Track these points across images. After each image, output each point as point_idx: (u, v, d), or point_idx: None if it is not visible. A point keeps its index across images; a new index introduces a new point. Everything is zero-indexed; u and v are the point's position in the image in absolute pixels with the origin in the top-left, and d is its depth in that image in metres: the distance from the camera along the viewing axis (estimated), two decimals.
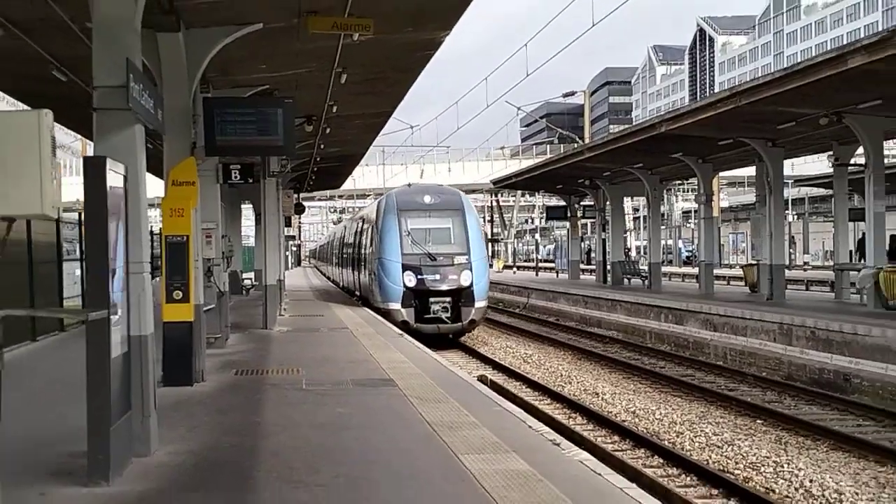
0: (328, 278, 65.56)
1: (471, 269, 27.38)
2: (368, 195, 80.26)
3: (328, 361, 16.69)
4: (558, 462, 8.91)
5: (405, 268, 27.18)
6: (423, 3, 14.81)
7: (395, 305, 26.96)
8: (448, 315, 26.72)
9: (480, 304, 27.65)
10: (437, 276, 27.07)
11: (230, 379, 14.69)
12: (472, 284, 27.20)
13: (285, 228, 41.09)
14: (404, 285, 26.93)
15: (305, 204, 64.90)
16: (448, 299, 27.00)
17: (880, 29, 24.02)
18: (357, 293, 37.81)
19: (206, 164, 16.11)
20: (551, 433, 10.52)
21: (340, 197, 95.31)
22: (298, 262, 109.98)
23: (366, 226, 33.87)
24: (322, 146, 31.01)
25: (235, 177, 18.10)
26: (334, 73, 19.02)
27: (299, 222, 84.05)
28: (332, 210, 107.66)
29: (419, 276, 27.04)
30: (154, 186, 21.41)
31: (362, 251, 34.10)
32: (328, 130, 27.22)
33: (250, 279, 38.99)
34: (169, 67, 13.88)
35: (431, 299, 26.85)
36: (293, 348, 19.08)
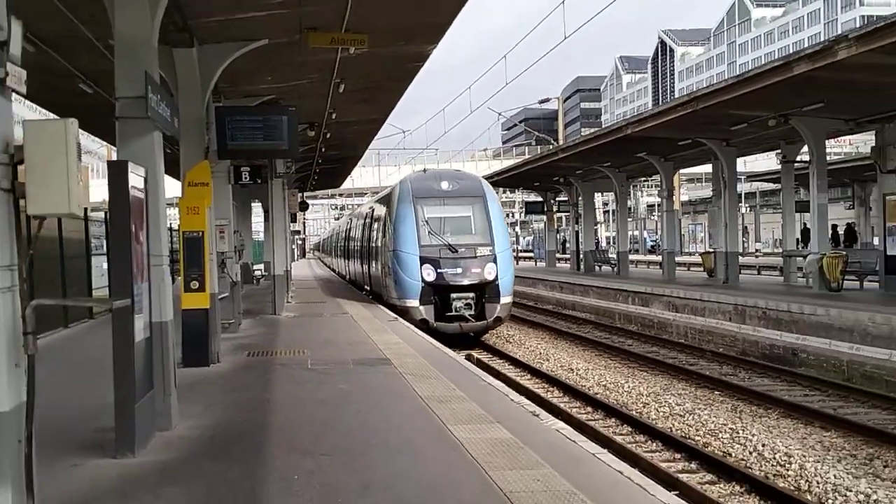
0: (331, 269, 62.65)
1: (495, 262, 22.77)
2: (365, 193, 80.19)
3: (331, 343, 16.66)
4: (538, 431, 8.93)
5: (423, 261, 22.57)
6: (412, 20, 14.77)
7: (413, 302, 22.41)
8: (471, 312, 22.22)
9: (506, 299, 23.07)
10: (459, 270, 22.48)
11: (243, 360, 14.66)
12: (497, 278, 22.64)
13: (291, 224, 40.92)
14: (423, 280, 22.39)
15: (309, 202, 64.83)
16: (471, 295, 22.46)
17: (822, 39, 24.09)
18: (366, 287, 32.36)
19: (219, 167, 16.07)
20: (531, 405, 10.54)
21: (340, 195, 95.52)
22: (303, 255, 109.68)
23: (377, 215, 28.76)
24: (323, 149, 30.94)
25: (245, 178, 18.07)
26: (333, 84, 18.98)
27: (304, 218, 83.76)
28: (333, 207, 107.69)
29: (439, 270, 22.46)
30: (172, 187, 21.33)
31: (373, 243, 28.86)
32: (328, 135, 27.19)
33: (260, 270, 38.73)
34: (184, 80, 13.84)
35: (453, 295, 22.32)
36: (299, 332, 19.03)
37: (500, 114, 64.32)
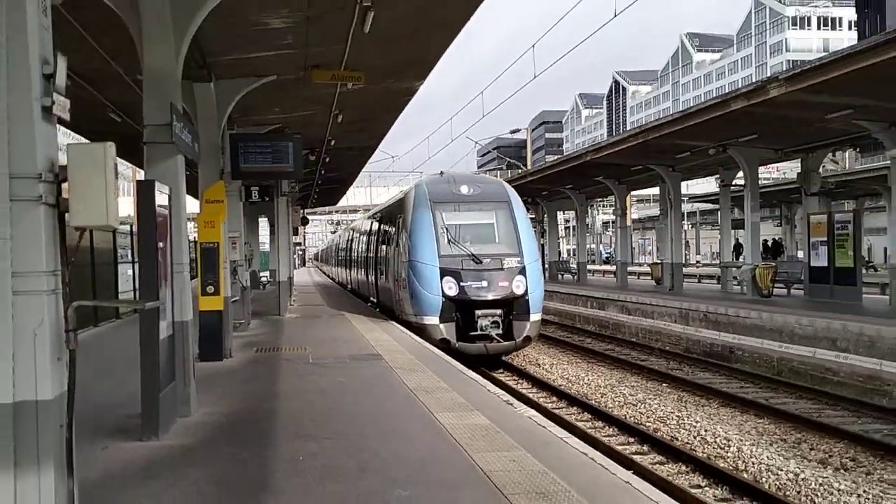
0: (330, 277, 58.90)
1: (524, 274, 18.00)
2: (358, 210, 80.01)
3: (329, 340, 16.57)
4: (512, 418, 8.90)
5: (444, 273, 17.84)
6: (402, 60, 14.81)
7: (432, 319, 17.68)
8: (499, 331, 17.56)
9: (536, 316, 18.17)
10: (484, 284, 17.77)
11: (252, 355, 14.57)
12: (526, 292, 17.86)
13: (293, 237, 40.84)
14: (443, 295, 17.65)
15: (309, 217, 64.68)
16: (498, 312, 17.72)
17: (755, 80, 24.30)
18: (372, 300, 27.13)
19: (232, 187, 16.09)
20: (505, 395, 10.50)
21: (336, 212, 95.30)
22: (304, 264, 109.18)
23: (385, 224, 23.76)
24: (322, 172, 30.90)
25: (255, 196, 18.11)
26: (333, 115, 18.99)
27: (304, 231, 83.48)
28: (329, 222, 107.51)
29: (461, 284, 17.75)
30: (191, 204, 21.23)
31: (382, 253, 23.80)
32: (327, 159, 27.16)
33: (266, 277, 38.52)
34: (203, 110, 13.82)
35: (478, 312, 17.59)
36: (301, 330, 18.94)
37: (476, 142, 64.33)
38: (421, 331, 17.76)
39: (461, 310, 17.70)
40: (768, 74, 23.57)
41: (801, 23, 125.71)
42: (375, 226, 26.04)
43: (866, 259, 35.06)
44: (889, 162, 21.77)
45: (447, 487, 6.32)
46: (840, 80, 16.61)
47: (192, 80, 13.13)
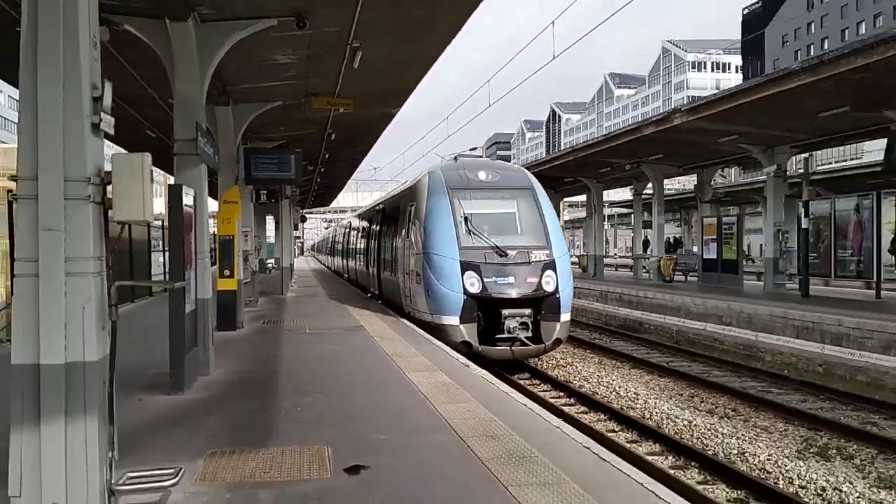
0: (325, 266, 51.73)
1: (554, 269, 13.42)
2: (346, 210, 79.44)
3: (323, 314, 16.41)
4: (468, 377, 8.91)
5: (465, 267, 13.24)
6: (384, 90, 14.71)
7: (452, 320, 13.09)
8: (527, 334, 12.97)
9: (566, 316, 13.54)
10: (511, 279, 13.20)
11: (259, 326, 14.39)
12: (557, 289, 13.28)
13: (294, 231, 40.52)
14: (465, 292, 13.08)
15: (307, 216, 64.27)
16: (527, 312, 13.10)
17: (662, 111, 24.63)
18: (373, 290, 21.27)
19: (245, 191, 15.90)
20: (463, 359, 10.45)
21: (330, 212, 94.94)
22: (302, 253, 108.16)
23: (391, 214, 18.33)
24: (318, 179, 30.71)
25: (263, 198, 17.93)
26: (327, 133, 18.83)
27: (303, 227, 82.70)
28: (323, 220, 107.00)
29: (485, 279, 13.18)
30: (212, 204, 21.00)
31: (387, 245, 18.46)
32: (322, 170, 26.96)
33: (272, 263, 38.06)
34: (222, 128, 13.66)
35: (505, 312, 12.99)
36: (300, 307, 18.74)
37: (442, 157, 63.99)
38: (438, 331, 13.03)
39: (484, 309, 12.99)
40: (673, 107, 23.79)
41: (698, 66, 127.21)
42: (379, 217, 20.43)
43: (746, 253, 35.59)
44: (765, 177, 22.14)
45: (417, 432, 6.33)
46: (728, 111, 16.87)
47: (213, 104, 12.98)
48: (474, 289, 12.96)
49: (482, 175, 14.76)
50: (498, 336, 12.84)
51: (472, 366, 9.82)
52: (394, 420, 6.73)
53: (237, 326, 13.59)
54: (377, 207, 21.82)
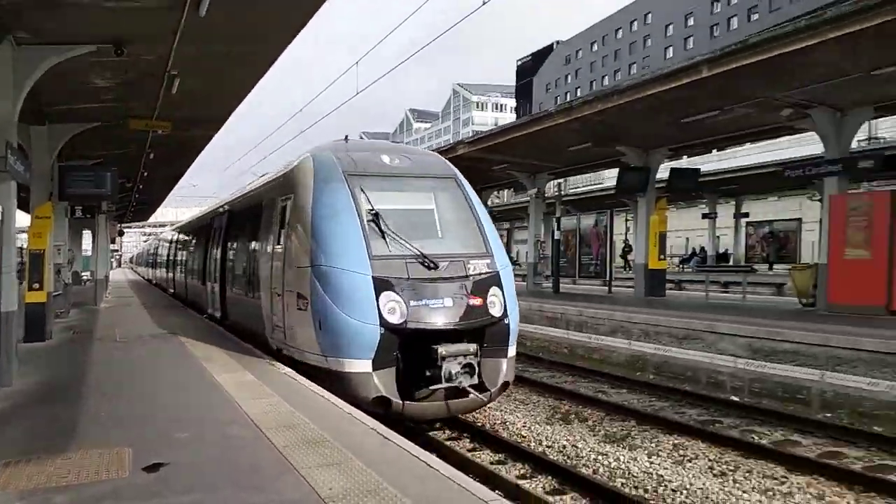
0: (144, 278, 43.53)
1: (500, 286, 7.95)
2: (165, 224, 73.75)
3: (134, 322, 14.99)
4: (273, 375, 8.57)
5: (380, 286, 7.28)
6: (200, 114, 13.90)
7: (362, 365, 7.16)
8: (473, 381, 7.35)
9: (513, 350, 8.13)
10: (446, 301, 7.46)
11: (69, 336, 12.84)
12: (505, 313, 7.87)
13: (111, 245, 37.07)
14: (382, 322, 7.15)
15: (125, 230, 59.16)
16: (472, 348, 7.38)
17: (449, 142, 25.72)
18: (211, 312, 14.66)
19: (60, 206, 14.39)
20: (268, 357, 9.84)
21: (148, 226, 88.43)
22: (120, 265, 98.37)
23: (250, 212, 11.37)
24: (136, 196, 28.23)
25: (78, 213, 16.34)
26: (146, 152, 17.46)
27: (121, 241, 75.67)
28: (142, 233, 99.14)
29: (409, 304, 7.31)
30: (24, 219, 18.59)
31: (244, 254, 11.59)
32: (141, 187, 24.89)
33: (87, 275, 33.94)
34: (36, 147, 12.36)
35: (441, 350, 7.21)
36: (113, 316, 16.87)
37: (260, 176, 61.59)
38: (335, 381, 7.51)
39: (407, 347, 7.46)
40: (459, 139, 24.85)
41: (481, 106, 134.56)
42: (224, 220, 14.01)
43: (515, 259, 38.00)
44: (528, 198, 23.81)
45: (218, 425, 6.04)
46: (501, 144, 18.00)
47: (28, 123, 11.64)
48: (395, 317, 7.34)
49: (386, 159, 8.87)
50: (425, 384, 7.46)
51: (277, 364, 9.23)
52: (197, 417, 6.35)
53: (46, 337, 12.11)
54: (221, 210, 15.16)
